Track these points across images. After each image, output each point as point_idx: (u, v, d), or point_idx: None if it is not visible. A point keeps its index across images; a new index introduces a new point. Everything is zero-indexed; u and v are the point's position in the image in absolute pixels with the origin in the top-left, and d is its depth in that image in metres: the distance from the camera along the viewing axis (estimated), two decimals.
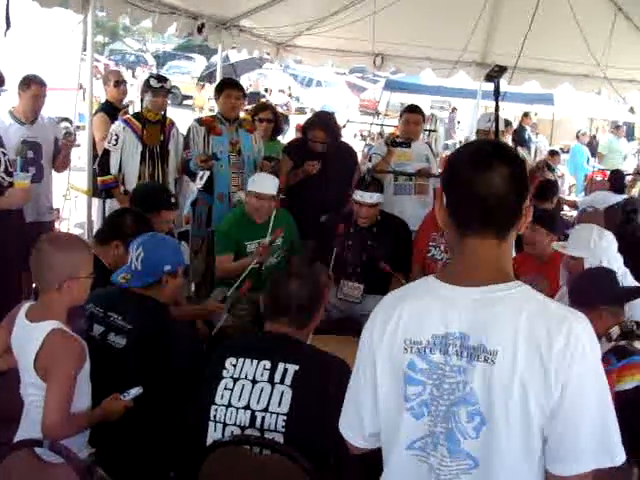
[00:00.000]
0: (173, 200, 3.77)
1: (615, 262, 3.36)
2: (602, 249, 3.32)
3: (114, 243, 3.09)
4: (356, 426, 1.50)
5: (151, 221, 3.28)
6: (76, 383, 2.11)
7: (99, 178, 4.60)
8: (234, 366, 2.19)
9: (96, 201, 4.94)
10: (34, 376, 2.10)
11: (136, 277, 2.62)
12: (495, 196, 1.33)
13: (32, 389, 2.13)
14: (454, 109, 16.22)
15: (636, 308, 2.97)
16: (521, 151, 6.98)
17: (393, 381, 1.40)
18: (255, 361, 2.17)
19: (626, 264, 3.44)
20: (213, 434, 2.15)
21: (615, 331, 2.65)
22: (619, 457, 1.29)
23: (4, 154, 3.69)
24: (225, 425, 2.14)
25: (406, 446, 1.39)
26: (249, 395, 2.14)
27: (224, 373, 2.19)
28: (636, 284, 3.32)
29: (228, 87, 4.76)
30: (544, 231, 3.79)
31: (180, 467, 2.42)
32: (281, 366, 2.15)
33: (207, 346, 3.22)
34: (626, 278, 3.34)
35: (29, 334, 2.14)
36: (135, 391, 2.28)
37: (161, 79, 4.66)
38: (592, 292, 2.70)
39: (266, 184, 3.97)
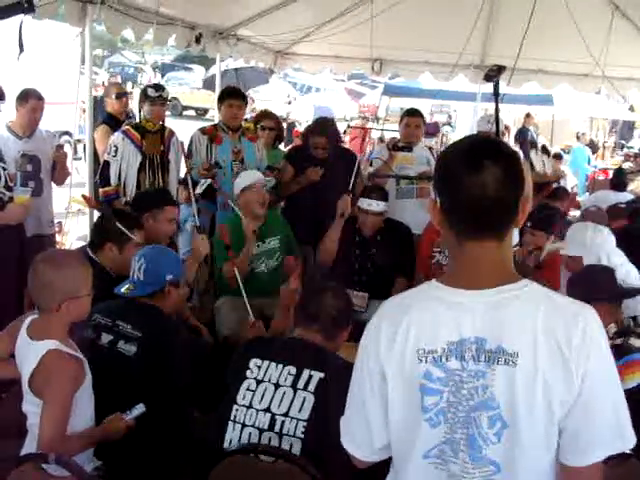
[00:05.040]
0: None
1: (615, 257, 3.35)
2: (598, 245, 3.35)
3: (107, 246, 3.12)
4: (364, 440, 1.43)
5: (157, 220, 3.35)
6: (72, 403, 2.07)
7: (101, 189, 4.59)
8: (259, 367, 2.19)
9: (98, 214, 4.93)
10: (30, 394, 2.08)
11: (139, 287, 2.63)
12: (491, 199, 1.28)
13: (31, 406, 2.11)
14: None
15: (631, 304, 2.97)
16: (534, 156, 6.79)
17: (407, 393, 1.35)
18: (280, 365, 2.17)
19: (632, 262, 3.43)
20: (231, 434, 2.13)
21: (612, 328, 2.65)
22: (631, 442, 1.29)
23: (4, 169, 3.68)
24: (244, 426, 2.12)
25: (422, 455, 1.35)
26: (271, 398, 2.13)
27: (248, 374, 2.19)
28: None
29: (229, 97, 4.75)
30: (544, 235, 3.85)
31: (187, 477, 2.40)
32: (306, 373, 2.14)
33: (212, 355, 3.21)
34: (629, 274, 3.32)
35: (28, 351, 2.11)
36: (138, 410, 2.24)
37: (158, 88, 4.63)
38: (590, 288, 2.69)
39: (251, 175, 4.04)
